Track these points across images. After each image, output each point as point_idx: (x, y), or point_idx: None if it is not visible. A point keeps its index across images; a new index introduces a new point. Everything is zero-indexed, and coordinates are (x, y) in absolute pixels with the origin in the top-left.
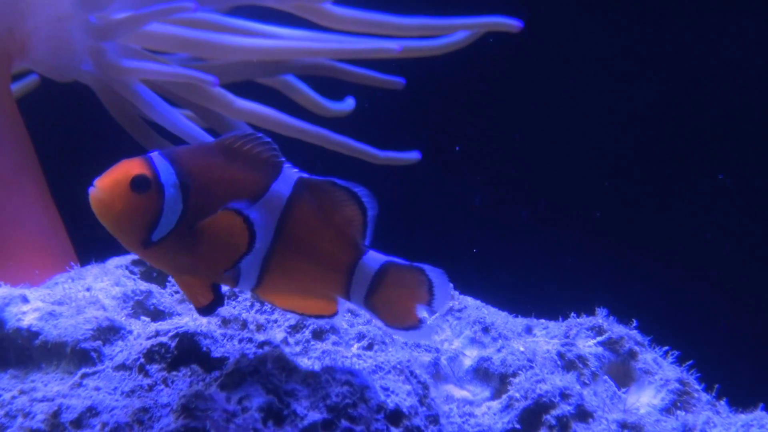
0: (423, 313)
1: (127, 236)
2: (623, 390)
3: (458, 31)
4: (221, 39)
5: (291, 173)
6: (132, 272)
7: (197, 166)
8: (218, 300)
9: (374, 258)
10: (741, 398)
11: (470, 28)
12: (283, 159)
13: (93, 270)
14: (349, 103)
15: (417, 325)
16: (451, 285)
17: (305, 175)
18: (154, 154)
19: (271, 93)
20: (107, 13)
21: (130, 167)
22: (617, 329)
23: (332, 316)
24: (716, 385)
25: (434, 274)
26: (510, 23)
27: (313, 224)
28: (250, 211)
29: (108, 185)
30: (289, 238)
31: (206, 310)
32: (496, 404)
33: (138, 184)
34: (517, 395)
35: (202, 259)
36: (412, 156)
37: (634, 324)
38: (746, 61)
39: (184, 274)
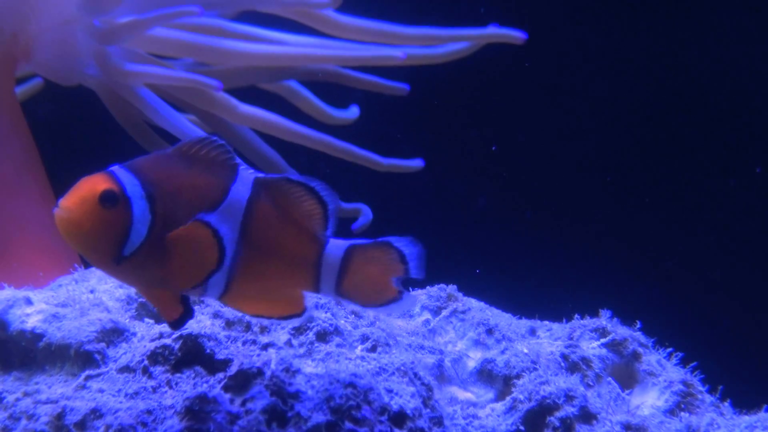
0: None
1: (98, 254)
2: (627, 392)
3: (462, 41)
4: (226, 44)
5: (247, 175)
6: None
7: (160, 175)
8: (188, 312)
9: (337, 245)
10: (745, 400)
11: (474, 39)
12: (239, 161)
13: (97, 272)
14: (353, 112)
15: (397, 297)
16: (424, 250)
17: (261, 175)
18: (116, 168)
19: (275, 99)
20: (112, 17)
21: (94, 183)
22: (621, 331)
23: (301, 314)
24: (720, 387)
25: (402, 243)
26: (514, 35)
27: (275, 224)
28: (219, 225)
29: (75, 204)
30: (253, 241)
31: (178, 323)
32: (500, 406)
33: (105, 199)
34: (521, 397)
35: (172, 270)
36: (415, 164)
37: (638, 325)
38: (749, 62)
39: (154, 288)
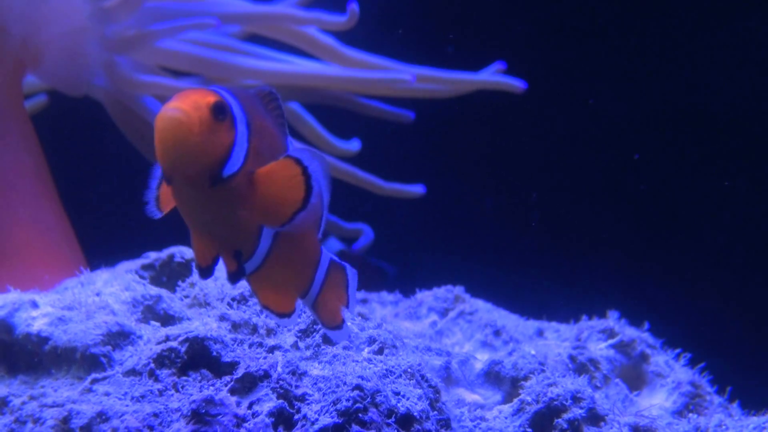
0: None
1: (199, 167)
2: (635, 393)
3: (463, 85)
4: (234, 59)
5: (292, 142)
6: (142, 276)
7: (251, 107)
8: (241, 270)
9: (324, 253)
10: (754, 400)
11: (475, 85)
12: (287, 130)
13: (103, 275)
14: (354, 145)
15: (341, 324)
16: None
17: (300, 146)
18: (217, 88)
19: None
20: (123, 28)
21: (204, 93)
22: (629, 332)
23: (290, 315)
24: (729, 388)
25: (351, 273)
26: (514, 84)
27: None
28: (311, 162)
29: (189, 106)
30: None
31: (236, 276)
32: (507, 408)
33: (218, 110)
34: (529, 399)
35: (254, 210)
36: (416, 189)
37: (646, 326)
38: (752, 63)
39: (225, 230)
